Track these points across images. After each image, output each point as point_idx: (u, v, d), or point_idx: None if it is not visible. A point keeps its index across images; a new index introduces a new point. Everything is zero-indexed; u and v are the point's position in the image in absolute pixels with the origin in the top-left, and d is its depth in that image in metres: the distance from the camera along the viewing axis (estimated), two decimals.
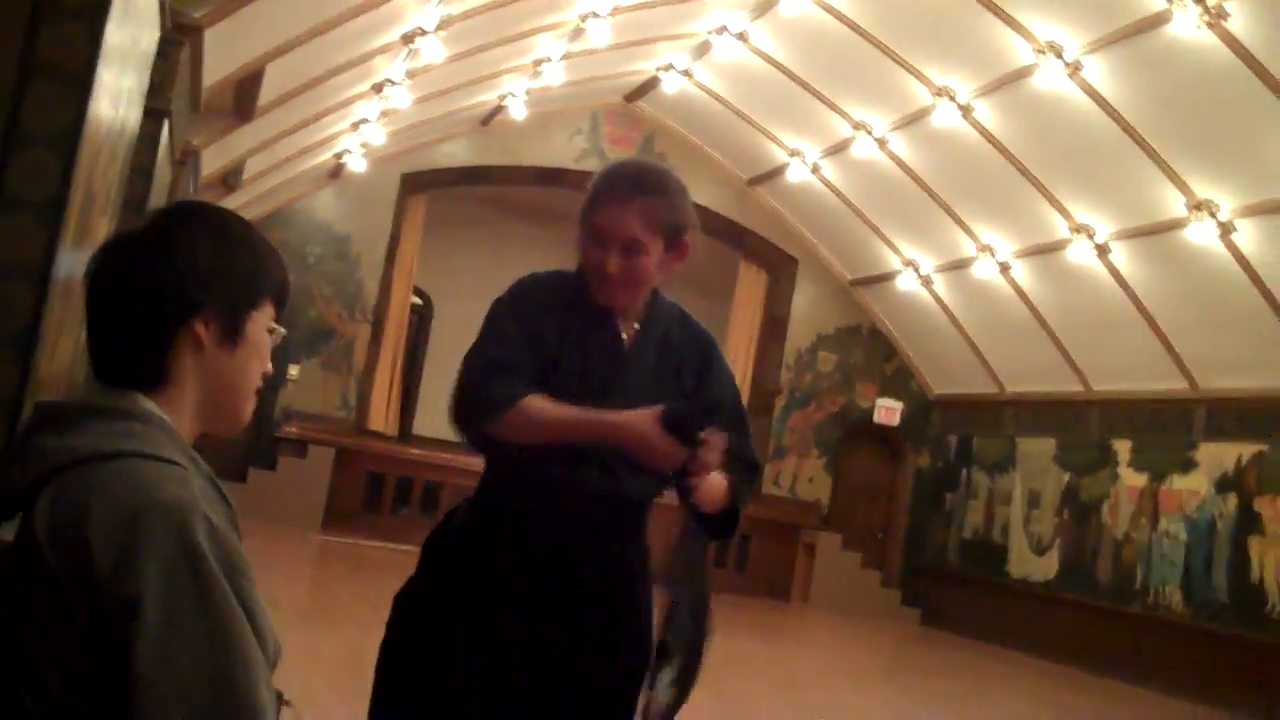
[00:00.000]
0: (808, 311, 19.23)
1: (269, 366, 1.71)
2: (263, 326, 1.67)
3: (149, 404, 1.60)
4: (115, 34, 3.60)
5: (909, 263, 17.37)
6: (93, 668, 1.43)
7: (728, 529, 2.80)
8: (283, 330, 1.73)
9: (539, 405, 2.56)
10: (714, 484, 2.64)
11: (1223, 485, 13.80)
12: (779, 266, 19.40)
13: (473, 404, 2.60)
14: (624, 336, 2.77)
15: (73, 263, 3.61)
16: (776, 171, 17.61)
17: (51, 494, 1.46)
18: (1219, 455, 13.93)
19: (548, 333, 2.67)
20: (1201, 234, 12.53)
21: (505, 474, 2.71)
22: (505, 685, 2.57)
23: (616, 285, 2.69)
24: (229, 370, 1.64)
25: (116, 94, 3.99)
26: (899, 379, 19.44)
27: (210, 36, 7.50)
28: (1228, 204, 12.17)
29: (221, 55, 8.41)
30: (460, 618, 2.61)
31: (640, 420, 2.51)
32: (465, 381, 2.62)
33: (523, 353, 2.62)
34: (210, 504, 1.52)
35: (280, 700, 5.45)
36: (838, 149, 16.08)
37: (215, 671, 1.43)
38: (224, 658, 1.44)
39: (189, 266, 1.62)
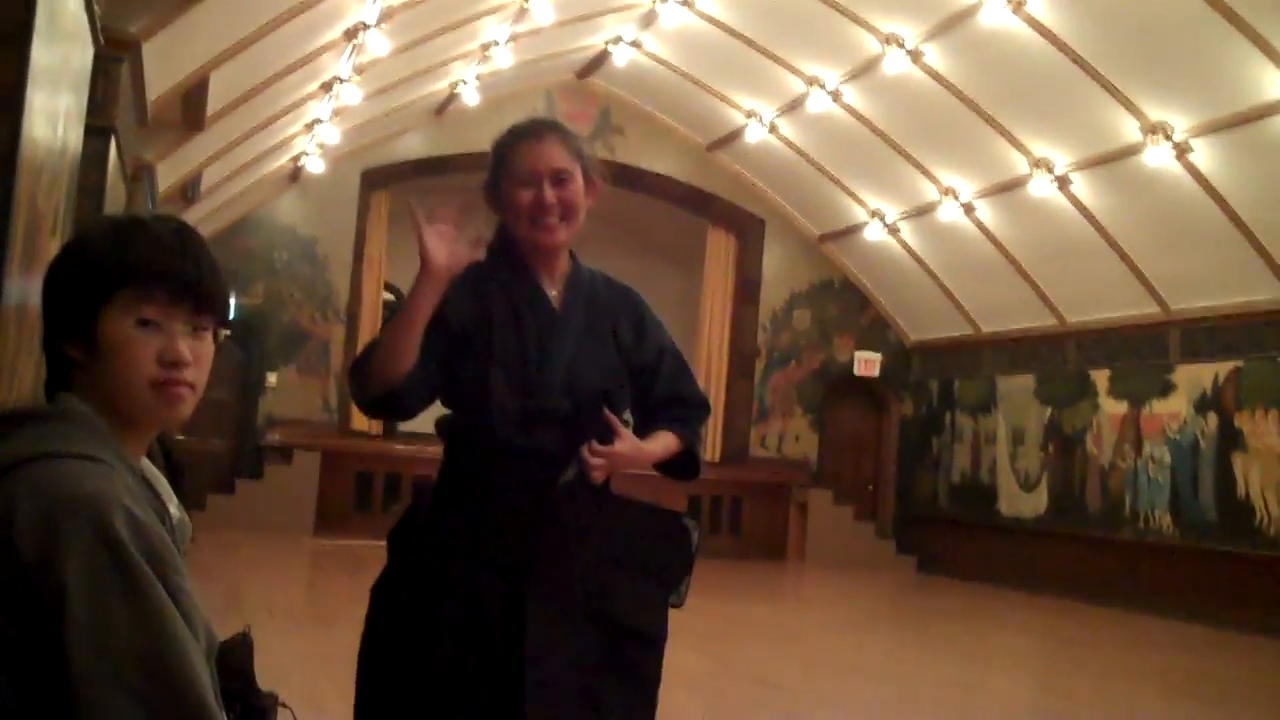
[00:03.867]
0: (779, 271, 19.26)
1: (169, 353, 1.64)
2: (122, 324, 1.63)
3: (78, 404, 1.63)
4: (43, 55, 3.60)
5: (875, 213, 17.40)
6: (32, 666, 1.45)
7: (689, 471, 2.97)
8: (153, 318, 1.64)
9: (387, 326, 2.68)
10: (622, 458, 2.74)
11: (1202, 405, 13.90)
12: (747, 229, 19.41)
13: (354, 375, 2.70)
14: (552, 295, 2.82)
15: (24, 284, 3.63)
16: (735, 134, 17.61)
17: None
18: (1196, 375, 14.03)
19: (459, 313, 2.72)
20: (1158, 157, 12.58)
21: (459, 451, 2.76)
22: (491, 658, 2.60)
23: (555, 218, 2.75)
24: (106, 377, 1.63)
25: (52, 115, 4.00)
26: (876, 330, 19.50)
27: (149, 50, 7.48)
28: (1181, 124, 12.22)
29: (163, 67, 8.38)
30: (440, 597, 2.63)
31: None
32: (351, 369, 2.73)
33: None
34: (135, 499, 1.54)
35: (277, 702, 5.47)
36: (793, 106, 16.09)
37: (146, 654, 1.46)
38: (154, 641, 1.46)
39: (45, 290, 1.66)
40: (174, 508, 1.72)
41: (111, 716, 1.43)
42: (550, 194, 2.73)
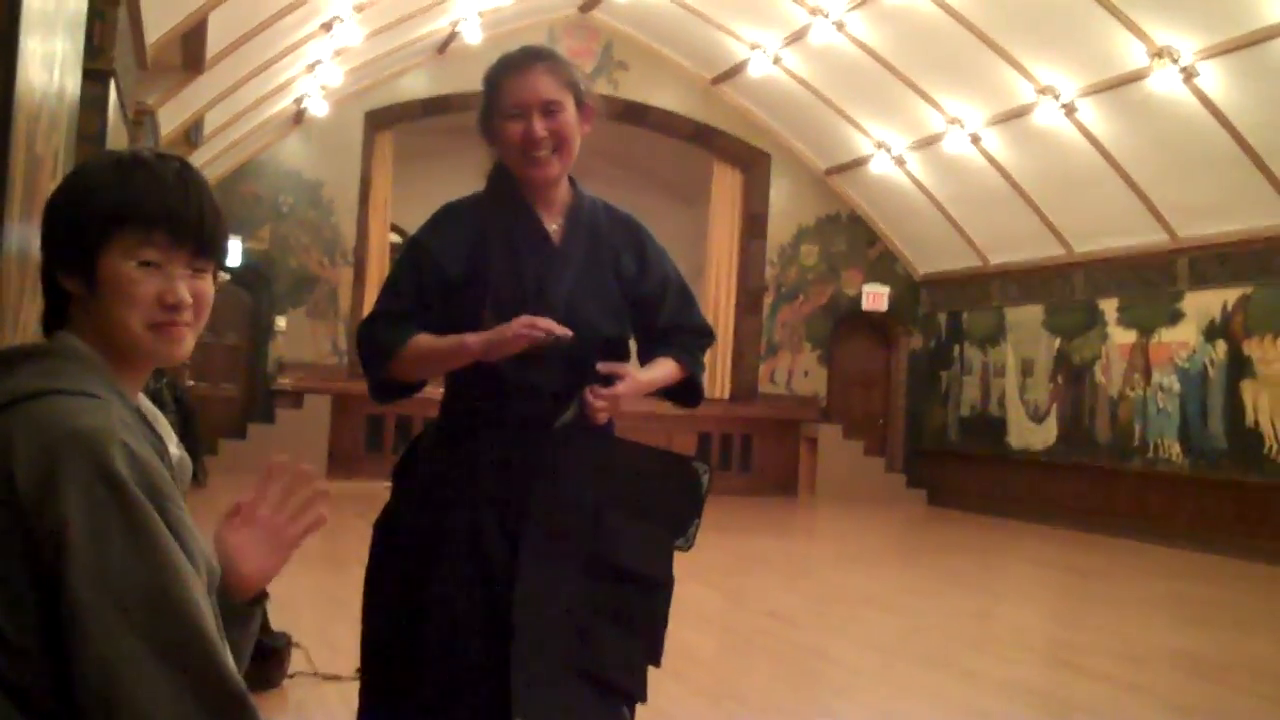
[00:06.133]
0: (786, 205, 19.17)
1: (169, 295, 1.64)
2: (123, 264, 1.62)
3: (76, 342, 1.63)
4: None
5: (880, 145, 17.28)
6: (34, 602, 1.46)
7: (691, 397, 2.99)
8: (154, 260, 1.63)
9: (418, 343, 2.67)
10: (624, 399, 2.76)
11: (1211, 333, 13.86)
12: (752, 163, 19.31)
13: (366, 358, 2.74)
14: (552, 229, 2.80)
15: (24, 230, 3.61)
16: (739, 67, 17.46)
17: None
18: (1205, 303, 13.98)
19: (456, 255, 2.71)
20: (1165, 81, 12.46)
21: (460, 388, 2.76)
22: (490, 592, 2.60)
23: (547, 151, 2.72)
24: (104, 315, 1.63)
25: (48, 59, 3.96)
26: (883, 263, 19.43)
27: None
28: (1189, 47, 12.09)
29: (161, 9, 8.31)
30: (439, 532, 2.65)
31: (500, 328, 2.59)
32: (359, 339, 2.77)
33: (408, 298, 2.72)
34: (133, 434, 1.55)
35: (289, 642, 5.50)
36: (796, 37, 15.91)
37: (147, 585, 1.46)
38: (155, 572, 1.47)
39: (45, 223, 1.67)
40: (173, 446, 1.72)
41: (112, 647, 1.44)
42: (540, 126, 2.70)
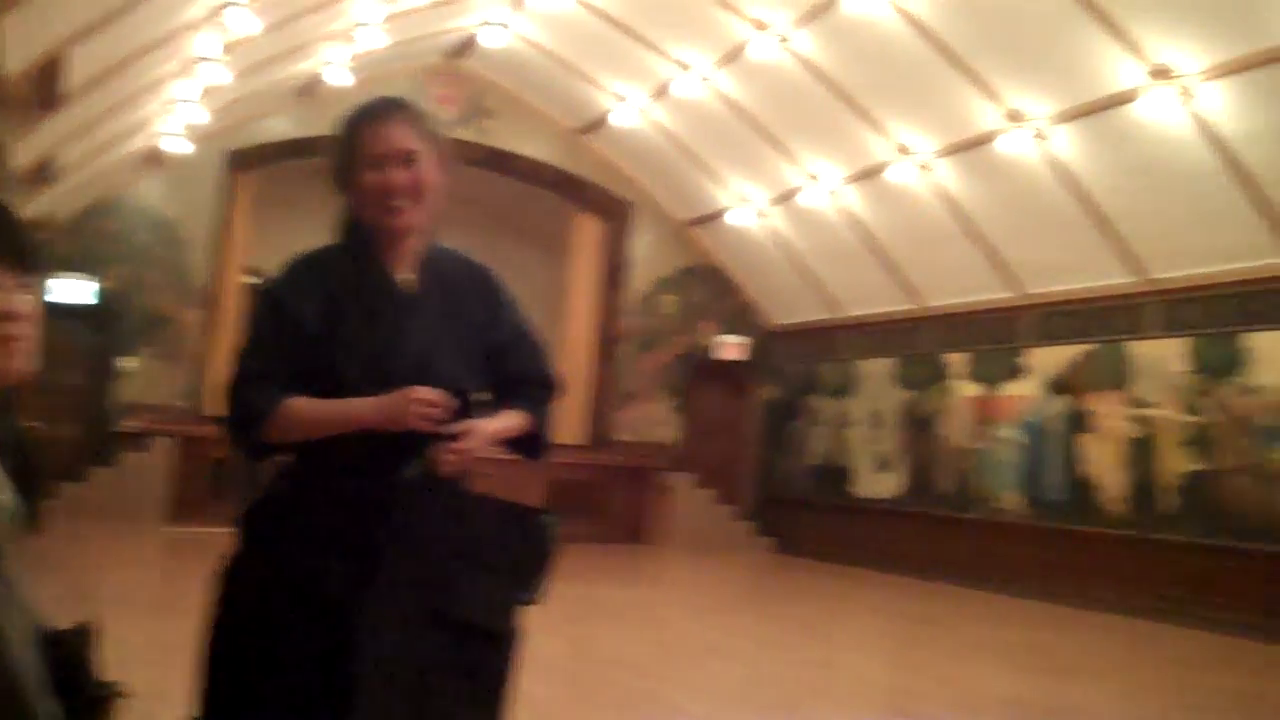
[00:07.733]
0: (646, 255, 19.40)
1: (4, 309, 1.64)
2: None
3: None
4: None
5: (741, 198, 17.60)
6: None
7: (536, 449, 2.98)
8: None
9: (295, 408, 2.65)
10: (472, 447, 2.74)
11: (1053, 387, 14.34)
12: (615, 213, 19.49)
13: (236, 421, 2.69)
14: (404, 280, 2.80)
15: None
16: (604, 118, 17.68)
17: None
18: (1048, 358, 14.48)
19: (313, 309, 2.70)
20: (1016, 143, 12.96)
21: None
22: (335, 643, 2.57)
23: (405, 200, 2.73)
24: None
25: None
26: (740, 314, 19.74)
27: (2, 25, 7.31)
28: (1040, 111, 12.58)
29: (18, 44, 8.19)
30: (285, 582, 2.63)
31: (392, 400, 2.61)
32: (229, 401, 2.71)
33: (274, 356, 2.69)
34: None
35: (117, 692, 5.39)
36: (661, 90, 16.19)
37: None
38: None
39: None
40: (4, 493, 1.72)
41: None
42: (398, 176, 2.70)
